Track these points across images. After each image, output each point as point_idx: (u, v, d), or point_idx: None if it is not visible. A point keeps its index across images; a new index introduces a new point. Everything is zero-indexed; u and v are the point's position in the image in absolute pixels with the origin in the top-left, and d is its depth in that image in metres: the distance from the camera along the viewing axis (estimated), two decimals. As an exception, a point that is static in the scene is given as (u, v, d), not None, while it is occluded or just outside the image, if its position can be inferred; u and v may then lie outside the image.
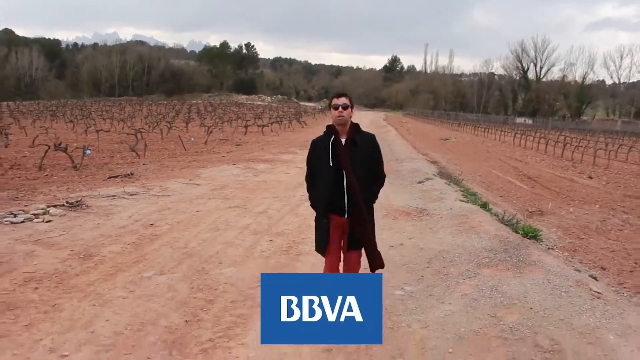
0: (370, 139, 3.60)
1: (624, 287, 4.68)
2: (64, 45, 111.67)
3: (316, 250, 3.69)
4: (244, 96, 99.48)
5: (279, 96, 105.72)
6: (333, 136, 3.48)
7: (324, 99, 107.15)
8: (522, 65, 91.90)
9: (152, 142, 18.95)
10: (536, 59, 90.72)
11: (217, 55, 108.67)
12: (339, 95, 3.54)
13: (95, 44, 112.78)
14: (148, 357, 3.11)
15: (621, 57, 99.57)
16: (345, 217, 3.51)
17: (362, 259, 3.76)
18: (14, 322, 3.55)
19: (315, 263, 4.96)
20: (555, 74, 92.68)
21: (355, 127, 3.56)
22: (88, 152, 12.15)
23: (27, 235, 5.70)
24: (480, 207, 7.59)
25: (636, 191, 11.43)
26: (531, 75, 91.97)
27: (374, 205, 3.71)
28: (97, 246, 5.40)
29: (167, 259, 5.07)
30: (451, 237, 5.75)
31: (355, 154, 3.46)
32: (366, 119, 44.68)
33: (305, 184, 3.85)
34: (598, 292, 3.75)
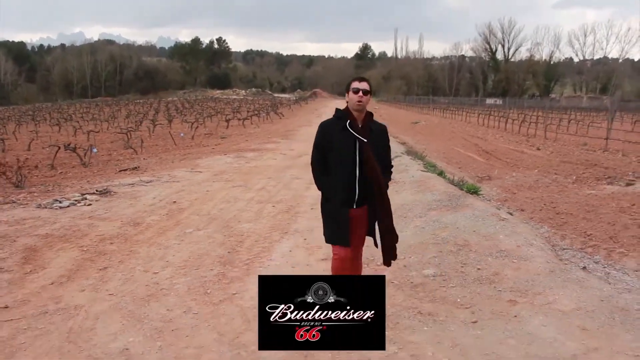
0: (383, 129, 3.45)
1: (532, 219, 6.54)
2: (29, 48, 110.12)
3: (331, 241, 3.39)
4: (218, 91, 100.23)
5: (253, 89, 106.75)
6: (349, 120, 3.29)
7: (298, 90, 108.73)
8: (490, 47, 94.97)
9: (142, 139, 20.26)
10: (504, 40, 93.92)
11: (189, 52, 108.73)
12: (360, 79, 3.32)
13: (63, 45, 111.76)
14: (211, 268, 4.81)
15: (585, 35, 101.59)
16: (355, 207, 3.34)
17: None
18: (110, 260, 5.18)
19: (311, 218, 6.69)
20: (523, 54, 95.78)
21: (370, 115, 3.38)
22: (95, 150, 13.55)
23: (79, 214, 7.23)
24: (438, 174, 9.42)
25: (571, 158, 13.52)
26: (500, 56, 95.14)
27: None
28: (139, 217, 6.99)
29: (198, 222, 6.72)
30: (411, 195, 7.55)
31: (372, 143, 3.28)
32: (341, 108, 46.25)
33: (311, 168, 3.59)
34: (504, 218, 5.62)
